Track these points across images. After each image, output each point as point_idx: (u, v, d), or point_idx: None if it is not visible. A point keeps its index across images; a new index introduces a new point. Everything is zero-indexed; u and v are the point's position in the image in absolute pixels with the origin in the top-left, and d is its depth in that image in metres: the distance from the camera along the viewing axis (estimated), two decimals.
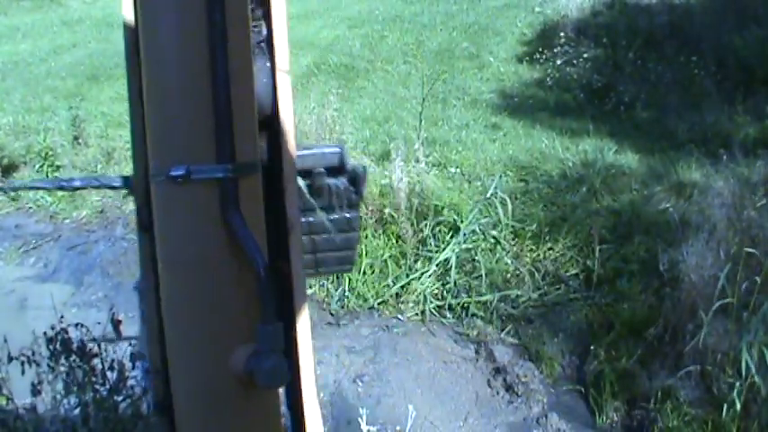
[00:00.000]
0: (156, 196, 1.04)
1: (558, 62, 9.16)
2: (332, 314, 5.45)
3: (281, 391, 1.21)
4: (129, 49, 1.12)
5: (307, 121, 6.29)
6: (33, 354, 3.10)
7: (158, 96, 1.01)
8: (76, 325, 3.12)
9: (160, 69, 1.00)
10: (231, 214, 1.00)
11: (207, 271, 1.02)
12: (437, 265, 5.47)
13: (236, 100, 1.00)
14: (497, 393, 4.56)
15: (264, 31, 1.16)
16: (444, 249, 5.50)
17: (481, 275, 5.34)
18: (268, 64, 1.17)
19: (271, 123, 1.16)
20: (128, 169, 7.75)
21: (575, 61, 9.07)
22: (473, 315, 5.23)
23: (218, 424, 1.07)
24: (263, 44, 1.17)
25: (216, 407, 1.06)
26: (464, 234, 5.51)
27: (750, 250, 4.04)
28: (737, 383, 3.78)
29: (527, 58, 9.81)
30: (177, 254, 1.03)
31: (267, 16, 1.16)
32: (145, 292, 1.14)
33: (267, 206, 1.13)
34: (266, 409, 1.10)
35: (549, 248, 5.59)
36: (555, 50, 9.29)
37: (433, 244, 5.62)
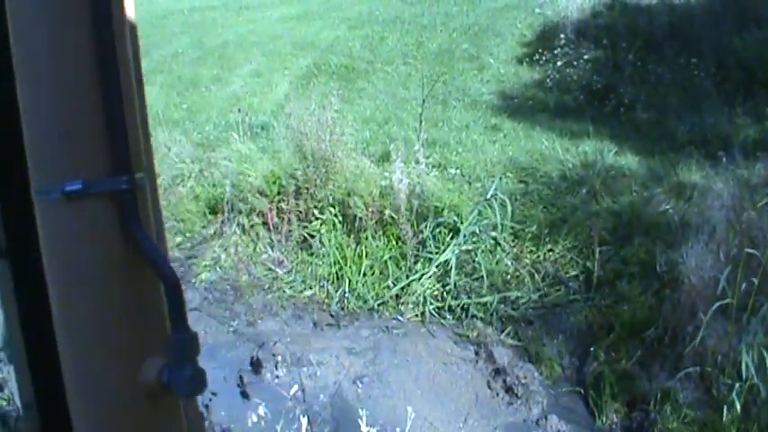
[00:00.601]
0: (43, 215, 0.98)
1: (558, 63, 9.16)
2: (332, 315, 5.46)
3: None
4: None
5: (307, 122, 6.29)
6: None
7: (41, 110, 0.96)
8: None
9: (41, 84, 0.96)
10: (134, 227, 0.97)
11: (110, 287, 0.99)
12: (437, 267, 5.47)
13: (128, 112, 0.98)
14: (497, 395, 4.56)
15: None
16: (444, 251, 5.50)
17: (481, 277, 5.34)
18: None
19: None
20: None
21: (575, 63, 9.08)
22: (473, 316, 5.24)
23: None
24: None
25: (123, 425, 1.03)
26: (464, 235, 5.51)
27: (750, 251, 4.04)
28: (737, 385, 3.78)
29: (527, 59, 9.81)
30: (75, 273, 0.98)
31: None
32: (8, 325, 1.10)
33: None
34: (172, 423, 1.09)
35: (549, 250, 5.59)
36: (555, 52, 9.29)
37: (432, 245, 5.62)
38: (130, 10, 1.14)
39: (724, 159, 5.78)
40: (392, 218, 5.80)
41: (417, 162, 6.15)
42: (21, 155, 1.00)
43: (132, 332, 1.02)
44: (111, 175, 0.96)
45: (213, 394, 3.81)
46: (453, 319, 5.29)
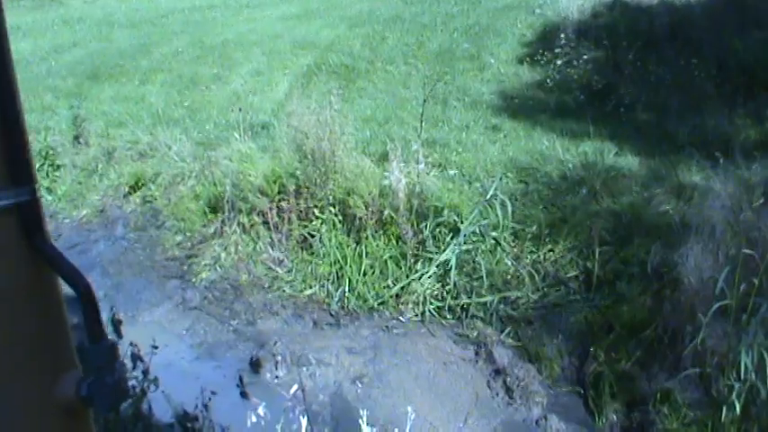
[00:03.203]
0: None
1: (559, 63, 9.16)
2: (332, 315, 5.46)
3: None
4: None
5: (307, 121, 6.28)
6: None
7: None
8: (75, 326, 3.12)
9: None
10: (39, 239, 0.93)
11: (19, 302, 0.94)
12: (437, 267, 5.47)
13: (22, 123, 0.94)
14: (497, 395, 4.56)
15: None
16: (444, 250, 5.51)
17: (481, 277, 5.34)
18: None
19: None
20: (128, 168, 7.70)
21: (575, 63, 9.07)
22: (473, 316, 5.24)
23: None
24: None
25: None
26: (464, 235, 5.51)
27: (748, 252, 4.05)
28: (737, 385, 3.79)
29: (527, 59, 9.81)
30: None
31: None
32: None
33: None
34: (86, 429, 1.05)
35: (549, 250, 5.59)
36: (555, 52, 9.29)
37: (432, 245, 5.62)
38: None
39: (722, 161, 5.77)
40: (392, 217, 5.80)
41: (417, 162, 6.15)
42: None
43: (45, 347, 0.97)
44: (13, 186, 0.91)
45: (213, 393, 3.81)
46: (453, 318, 5.29)
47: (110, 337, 0.99)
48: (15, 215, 0.92)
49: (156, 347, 3.65)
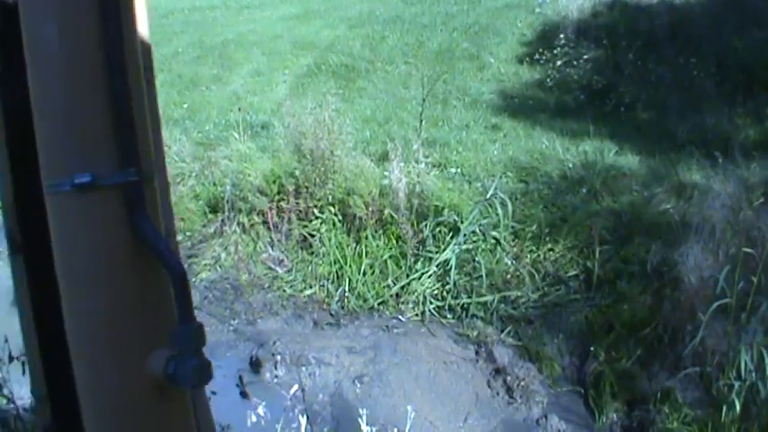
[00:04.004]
0: (54, 207, 1.00)
1: (559, 63, 9.16)
2: (332, 314, 5.46)
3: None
4: None
5: (305, 122, 6.29)
6: None
7: (51, 106, 0.98)
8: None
9: (52, 80, 0.97)
10: (140, 219, 0.98)
11: (117, 278, 1.00)
12: (437, 266, 5.47)
13: (135, 108, 0.99)
14: (497, 394, 4.56)
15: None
16: (444, 250, 5.50)
17: (481, 276, 5.34)
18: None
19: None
20: None
21: (575, 62, 9.07)
22: (473, 316, 5.24)
23: (138, 425, 1.05)
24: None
25: (131, 415, 1.03)
26: (464, 235, 5.51)
27: (748, 250, 4.05)
28: (737, 384, 3.78)
29: (527, 58, 9.81)
30: (84, 264, 0.99)
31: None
32: (22, 318, 1.11)
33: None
34: (179, 413, 1.08)
35: (550, 249, 5.59)
36: (555, 51, 9.29)
37: (432, 244, 5.62)
38: (142, 15, 1.14)
39: (722, 160, 5.78)
40: (392, 217, 5.80)
41: (417, 161, 6.15)
42: (36, 152, 1.01)
43: (139, 324, 1.02)
44: (120, 168, 0.97)
45: (213, 393, 3.80)
46: (453, 318, 5.29)
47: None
48: (121, 195, 0.97)
49: None
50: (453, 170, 6.70)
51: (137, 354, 1.01)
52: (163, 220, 1.14)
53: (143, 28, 1.15)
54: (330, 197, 6.03)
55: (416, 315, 5.34)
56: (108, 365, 1.02)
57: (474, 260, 5.48)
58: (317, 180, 6.09)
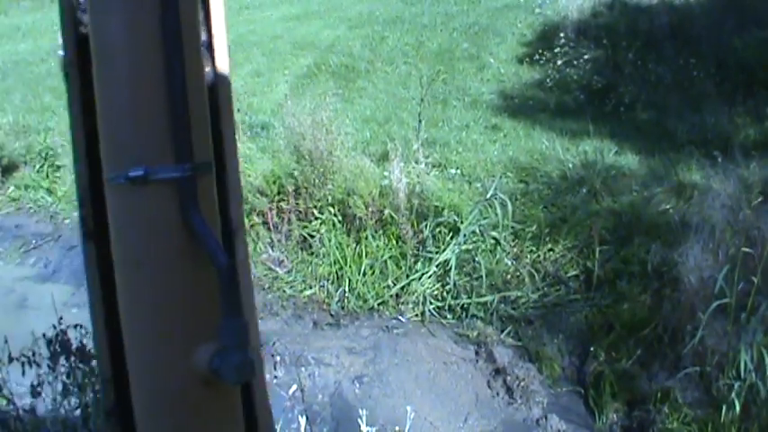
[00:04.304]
0: (111, 199, 1.03)
1: (559, 63, 9.16)
2: (332, 315, 5.46)
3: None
4: (68, 57, 1.11)
5: (305, 122, 6.29)
6: (34, 354, 3.10)
7: (113, 99, 1.00)
8: (76, 326, 3.12)
9: (114, 72, 0.99)
10: (191, 213, 0.99)
11: (167, 271, 1.01)
12: (437, 266, 5.47)
13: (192, 101, 1.00)
14: (497, 394, 4.56)
15: (204, 34, 1.16)
16: (444, 250, 5.50)
17: (481, 276, 5.34)
18: (208, 66, 1.17)
19: (213, 124, 1.16)
20: None
21: (575, 62, 9.07)
22: (473, 316, 5.24)
23: (180, 424, 1.06)
24: (202, 46, 1.18)
25: (178, 407, 1.05)
26: (464, 235, 5.51)
27: (747, 250, 4.05)
28: (736, 384, 3.79)
29: (527, 59, 9.81)
30: (136, 255, 1.02)
31: (207, 18, 1.16)
32: (92, 303, 1.13)
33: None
34: (228, 407, 1.09)
35: (550, 249, 5.59)
36: (555, 51, 9.29)
37: (432, 245, 5.62)
38: (220, 14, 1.15)
39: (721, 159, 5.78)
40: (392, 217, 5.80)
41: (417, 161, 6.15)
42: None
43: (187, 316, 1.03)
44: (173, 162, 0.98)
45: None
46: (453, 318, 5.29)
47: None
48: (173, 189, 0.99)
49: None
50: (453, 170, 6.70)
51: (184, 345, 1.03)
52: (235, 212, 1.16)
53: (218, 16, 1.16)
54: (330, 197, 6.03)
55: (416, 315, 5.34)
56: (154, 355, 1.04)
57: (474, 260, 5.48)
58: (317, 181, 6.09)
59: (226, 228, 1.15)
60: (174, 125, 0.98)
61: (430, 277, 5.46)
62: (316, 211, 6.04)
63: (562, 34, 9.65)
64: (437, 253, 5.53)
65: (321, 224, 5.97)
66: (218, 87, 1.16)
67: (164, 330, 1.03)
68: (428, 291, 5.42)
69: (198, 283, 1.03)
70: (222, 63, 1.17)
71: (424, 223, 5.72)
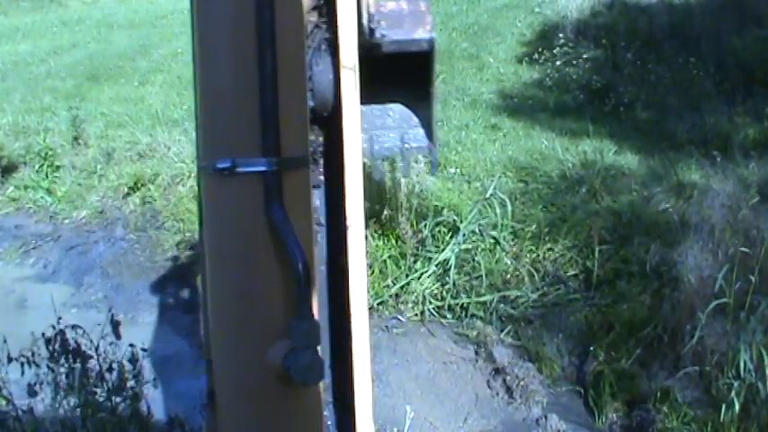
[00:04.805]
0: (204, 187, 1.06)
1: (558, 63, 9.16)
2: None
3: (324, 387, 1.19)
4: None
5: None
6: (33, 355, 3.10)
7: (208, 91, 1.03)
8: (74, 327, 3.12)
9: (210, 66, 1.02)
10: (273, 208, 1.00)
11: (248, 263, 1.03)
12: (436, 266, 5.46)
13: (285, 96, 1.01)
14: (497, 394, 4.56)
15: (327, 32, 1.17)
16: (444, 250, 5.50)
17: (481, 276, 5.33)
18: (332, 61, 1.17)
19: (333, 119, 1.17)
20: (127, 169, 7.73)
21: (574, 62, 9.07)
22: (472, 316, 5.23)
23: (255, 415, 1.07)
24: (327, 42, 1.18)
25: (253, 398, 1.06)
26: (463, 234, 5.51)
27: (746, 250, 4.05)
28: (736, 384, 3.78)
29: (527, 58, 9.81)
30: (220, 244, 1.05)
31: (333, 15, 1.17)
32: (204, 285, 1.16)
33: (329, 201, 1.14)
34: (305, 404, 1.08)
35: (549, 249, 5.59)
36: (554, 51, 9.28)
37: (432, 244, 5.62)
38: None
39: (720, 159, 5.78)
40: (392, 217, 5.80)
41: (417, 161, 6.14)
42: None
43: (266, 310, 1.04)
44: (261, 156, 1.00)
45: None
46: (453, 318, 5.28)
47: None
48: (258, 182, 1.00)
49: (144, 350, 3.63)
50: (453, 170, 6.70)
51: (262, 339, 1.03)
52: (352, 210, 1.17)
53: (347, 15, 1.17)
54: None
55: (416, 315, 5.34)
56: (234, 345, 1.05)
57: (473, 260, 5.48)
58: None
59: (340, 223, 1.15)
60: (263, 120, 0.99)
61: (429, 277, 5.46)
62: None
63: (561, 34, 9.65)
64: (436, 252, 5.52)
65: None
66: (342, 85, 1.16)
67: (242, 322, 1.03)
68: (427, 290, 5.41)
69: (280, 278, 1.03)
70: (348, 61, 1.17)
71: (423, 223, 5.71)
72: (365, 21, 2.98)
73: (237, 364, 1.06)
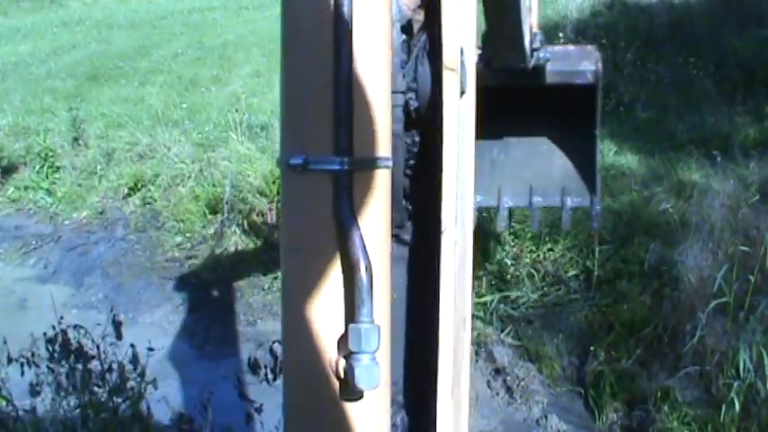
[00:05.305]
0: (281, 182, 1.07)
1: None
2: None
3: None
4: None
5: None
6: (33, 355, 3.10)
7: (288, 85, 1.04)
8: (76, 327, 3.13)
9: (291, 58, 1.03)
10: (341, 208, 1.00)
11: (312, 261, 1.03)
12: None
13: (363, 95, 1.01)
14: (497, 394, 4.56)
15: (432, 30, 1.17)
16: None
17: (481, 276, 5.33)
18: (436, 62, 1.16)
19: (432, 121, 1.16)
20: (127, 170, 7.72)
21: None
22: (473, 316, 5.23)
23: (318, 414, 1.07)
24: (431, 42, 1.18)
25: (318, 399, 1.06)
26: None
27: (746, 249, 4.05)
28: (736, 383, 3.78)
29: None
30: (293, 241, 1.05)
31: (437, 14, 1.17)
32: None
33: (423, 204, 1.14)
34: (365, 411, 1.07)
35: (549, 249, 5.59)
36: None
37: None
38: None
39: (720, 159, 5.78)
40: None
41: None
42: None
43: (329, 313, 1.03)
44: (333, 155, 1.00)
45: (212, 394, 3.81)
46: None
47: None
48: (329, 181, 1.01)
49: (151, 349, 3.64)
50: None
51: (327, 340, 1.03)
52: (446, 214, 1.16)
53: (452, 12, 1.17)
54: None
55: None
56: (301, 343, 1.05)
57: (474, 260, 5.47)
58: None
59: (434, 227, 1.15)
60: (337, 118, 0.99)
61: None
62: None
63: (561, 34, 9.64)
64: None
65: None
66: (444, 87, 1.16)
67: (307, 321, 1.03)
68: None
69: (341, 280, 1.03)
70: (451, 61, 1.17)
71: None
72: (526, 41, 2.92)
73: (302, 361, 1.06)
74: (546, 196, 3.77)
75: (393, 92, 1.12)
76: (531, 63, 3.07)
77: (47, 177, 7.93)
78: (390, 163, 1.07)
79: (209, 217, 6.63)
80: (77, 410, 3.16)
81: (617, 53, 9.14)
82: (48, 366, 3.18)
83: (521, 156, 3.84)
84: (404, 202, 1.25)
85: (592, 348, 4.68)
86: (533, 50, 3.05)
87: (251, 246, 6.23)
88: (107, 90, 10.37)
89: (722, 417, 3.77)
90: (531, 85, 3.12)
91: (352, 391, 1.01)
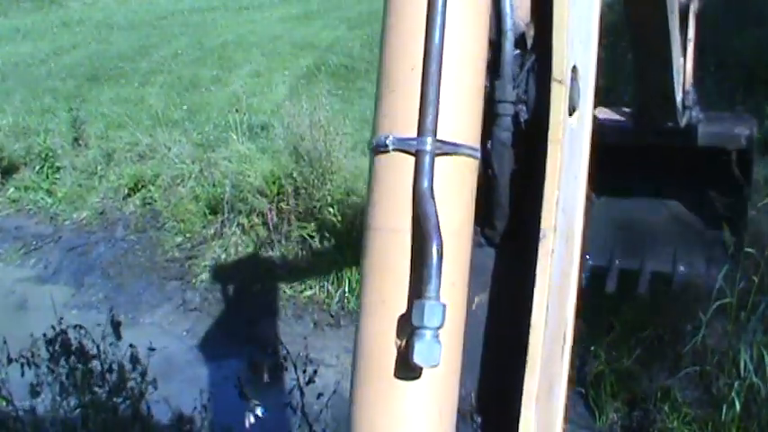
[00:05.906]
0: (370, 164, 1.10)
1: None
2: (332, 315, 5.46)
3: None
4: None
5: (304, 123, 6.29)
6: (33, 355, 3.10)
7: (382, 68, 1.06)
8: (76, 327, 3.13)
9: (387, 42, 1.05)
10: (420, 187, 1.02)
11: (393, 240, 1.05)
12: None
13: (453, 82, 1.03)
14: None
15: (544, 41, 1.19)
16: None
17: None
18: (545, 74, 1.18)
19: (538, 133, 1.17)
20: (127, 170, 7.73)
21: None
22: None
23: (380, 390, 1.10)
24: (543, 54, 1.19)
25: (382, 374, 1.08)
26: None
27: (748, 250, 4.04)
28: (736, 384, 3.78)
29: None
30: (374, 221, 1.07)
31: (550, 29, 1.19)
32: None
33: (527, 215, 1.15)
34: (428, 391, 1.08)
35: None
36: None
37: None
38: None
39: None
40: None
41: None
42: None
43: (397, 290, 1.05)
44: (416, 135, 1.02)
45: (212, 394, 3.82)
46: None
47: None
48: (412, 162, 1.02)
49: (151, 349, 3.64)
50: None
51: (397, 315, 1.05)
52: (545, 217, 1.16)
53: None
54: (329, 198, 6.03)
55: None
56: (373, 321, 1.07)
57: None
58: (317, 181, 6.09)
59: (534, 233, 1.15)
60: (424, 100, 1.01)
61: None
62: (315, 212, 6.04)
63: None
64: None
65: (321, 224, 5.97)
66: (551, 98, 1.17)
67: (386, 298, 1.05)
68: None
69: (413, 259, 1.04)
70: (559, 73, 1.18)
71: None
72: (678, 97, 2.85)
73: (372, 339, 1.09)
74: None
75: (502, 101, 1.17)
76: (683, 121, 2.97)
77: (47, 178, 7.93)
78: (477, 154, 1.09)
79: (210, 217, 6.63)
80: (77, 410, 3.16)
81: (617, 53, 9.15)
82: (48, 367, 3.18)
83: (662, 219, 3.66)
84: (507, 210, 1.27)
85: (592, 348, 4.68)
86: (685, 108, 2.95)
87: (251, 246, 6.23)
88: (107, 90, 10.37)
89: (723, 417, 3.77)
90: (682, 145, 3.00)
91: (410, 367, 1.02)
